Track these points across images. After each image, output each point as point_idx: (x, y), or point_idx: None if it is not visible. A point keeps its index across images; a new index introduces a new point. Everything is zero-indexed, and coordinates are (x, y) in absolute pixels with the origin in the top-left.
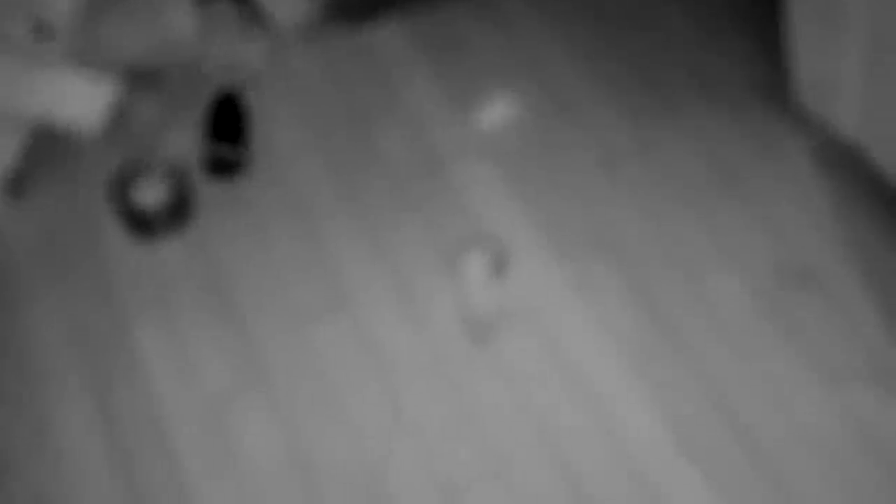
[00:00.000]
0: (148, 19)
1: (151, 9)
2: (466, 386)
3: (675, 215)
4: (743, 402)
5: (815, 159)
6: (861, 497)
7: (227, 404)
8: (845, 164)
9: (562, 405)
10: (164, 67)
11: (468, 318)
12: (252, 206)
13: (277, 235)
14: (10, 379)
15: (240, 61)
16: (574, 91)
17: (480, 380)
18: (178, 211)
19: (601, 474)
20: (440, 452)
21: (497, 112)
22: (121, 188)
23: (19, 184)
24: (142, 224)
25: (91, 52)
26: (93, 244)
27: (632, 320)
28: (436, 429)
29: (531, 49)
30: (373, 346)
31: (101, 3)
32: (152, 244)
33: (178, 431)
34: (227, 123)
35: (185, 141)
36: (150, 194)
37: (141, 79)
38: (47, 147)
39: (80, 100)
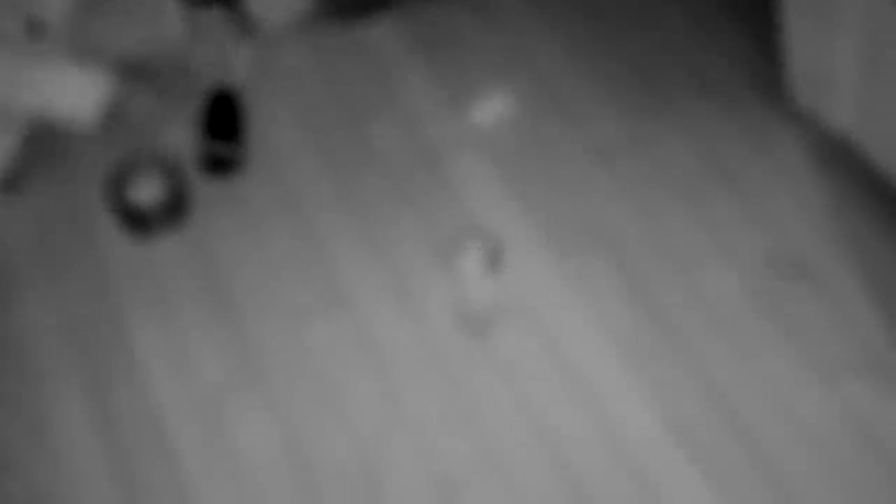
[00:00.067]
0: (139, 17)
1: (143, 7)
2: (464, 382)
3: (671, 210)
4: (742, 401)
5: (810, 154)
6: (861, 495)
7: (224, 402)
8: (840, 159)
9: (559, 401)
10: (157, 62)
11: (465, 314)
12: (248, 204)
13: (274, 232)
14: (7, 378)
15: (228, 68)
16: (569, 87)
17: (478, 376)
18: (175, 208)
19: (595, 464)
20: (438, 449)
21: (493, 109)
22: (117, 186)
23: (15, 181)
24: (138, 222)
25: (84, 47)
26: (89, 242)
27: (628, 316)
28: (433, 425)
29: (527, 45)
30: (370, 342)
31: (94, 0)
32: (149, 242)
33: (176, 429)
34: (223, 121)
35: (180, 134)
36: (146, 192)
37: (134, 72)
38: (43, 144)
39: (75, 93)
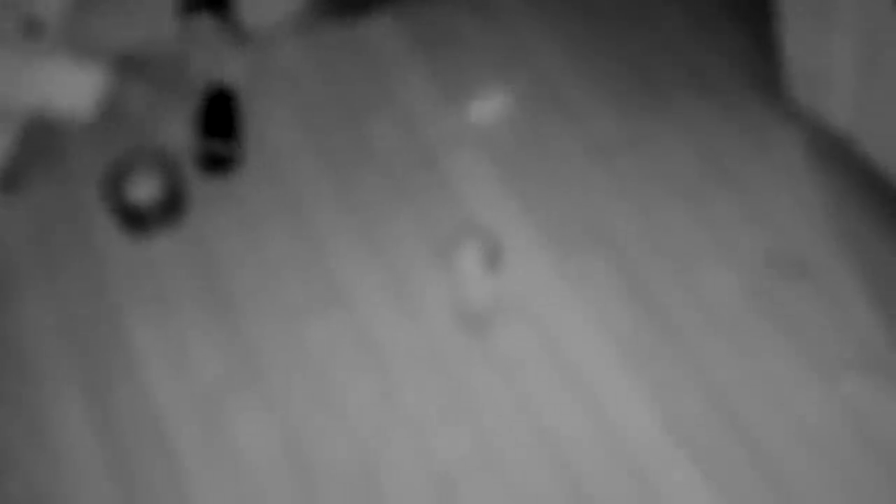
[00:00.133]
0: (136, 17)
1: (140, 7)
2: (463, 381)
3: (671, 209)
4: (742, 401)
5: (807, 152)
6: (861, 495)
7: (224, 401)
8: (838, 156)
9: (558, 400)
10: (153, 58)
11: (463, 311)
12: (246, 202)
13: (272, 231)
14: (6, 378)
15: (222, 73)
16: (568, 86)
17: (477, 375)
18: (172, 207)
19: (595, 463)
20: (437, 447)
21: (492, 107)
22: (114, 184)
23: (12, 180)
24: (136, 220)
25: (81, 46)
26: (87, 241)
27: (628, 314)
28: (433, 424)
29: (526, 44)
30: (368, 340)
31: (91, 1)
32: (147, 240)
33: (174, 428)
34: (220, 119)
35: (178, 130)
36: (144, 190)
37: (131, 68)
38: (40, 143)
39: (73, 90)
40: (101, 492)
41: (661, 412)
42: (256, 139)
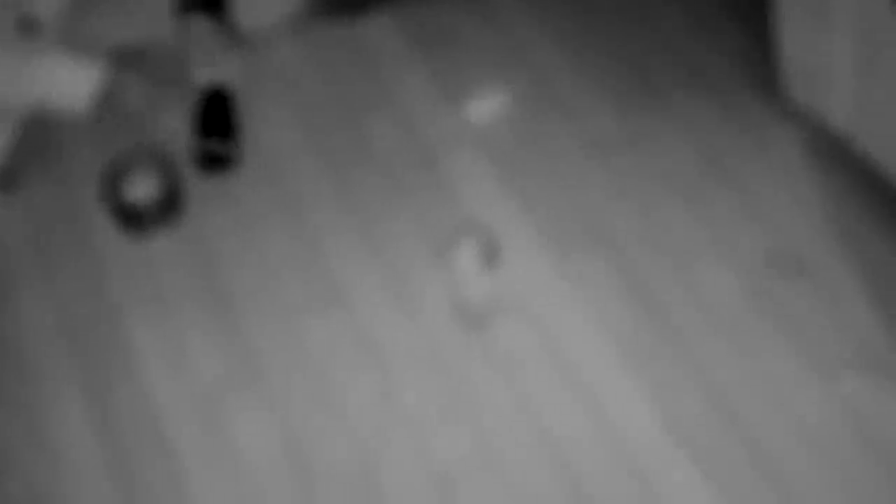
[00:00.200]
0: (133, 17)
1: (137, 7)
2: (462, 379)
3: (670, 207)
4: (742, 401)
5: (805, 150)
6: (861, 495)
7: (223, 400)
8: (836, 154)
9: (557, 398)
10: (150, 51)
11: (461, 309)
12: (244, 201)
13: (270, 230)
14: (5, 378)
15: (216, 75)
16: (564, 83)
17: (476, 373)
18: (170, 206)
19: (595, 463)
20: (436, 446)
21: (490, 106)
22: (112, 184)
23: (10, 179)
24: (133, 219)
25: (76, 43)
26: (85, 240)
27: (627, 313)
28: (432, 423)
29: (522, 42)
30: (367, 338)
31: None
32: (144, 240)
33: (174, 428)
34: (217, 118)
35: (175, 123)
36: (142, 189)
37: (127, 61)
38: (38, 142)
39: (69, 84)
40: (101, 492)
41: (661, 412)
42: (254, 139)
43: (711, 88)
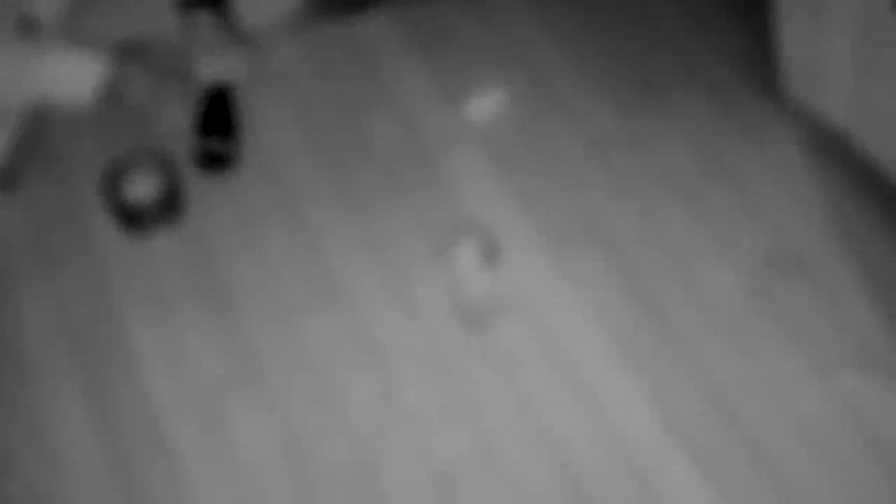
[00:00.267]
0: (134, 15)
1: (137, 6)
2: (462, 378)
3: (669, 206)
4: (742, 400)
5: (805, 149)
6: (861, 494)
7: (222, 400)
8: (835, 153)
9: (557, 398)
10: (152, 45)
11: (462, 308)
12: (244, 200)
13: (270, 229)
14: (5, 378)
15: (220, 72)
16: (563, 82)
17: (476, 372)
18: (170, 205)
19: (595, 463)
20: (436, 445)
21: (489, 105)
22: (112, 183)
23: (10, 179)
24: (134, 219)
25: (77, 41)
26: (85, 239)
27: (626, 313)
28: (432, 422)
29: (520, 41)
30: (368, 339)
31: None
32: (145, 239)
33: (174, 428)
34: (218, 117)
35: (179, 117)
36: (142, 189)
37: (130, 55)
38: (38, 142)
39: (71, 76)
40: (101, 492)
41: (661, 412)
42: (254, 138)
43: (711, 88)
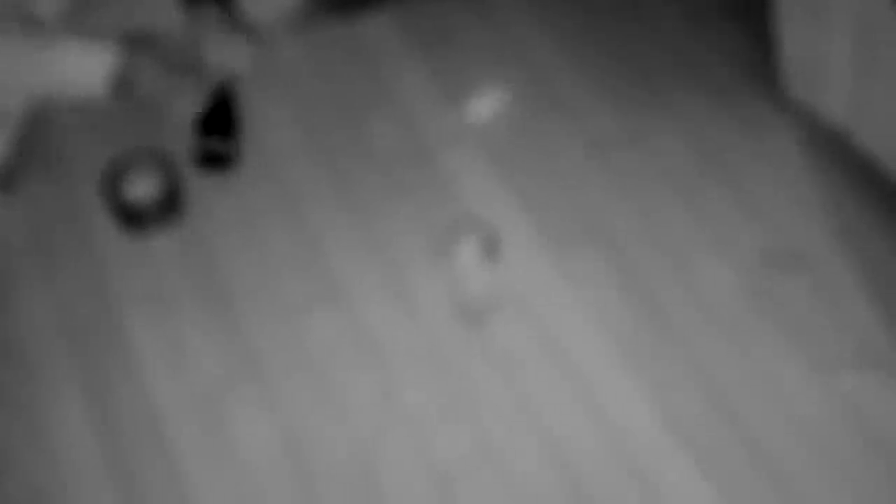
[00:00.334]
0: (137, 11)
1: (140, 3)
2: (462, 378)
3: (669, 205)
4: (742, 400)
5: (804, 148)
6: (862, 494)
7: (222, 400)
8: (835, 152)
9: (557, 398)
10: (160, 36)
11: (462, 304)
12: (244, 200)
13: (269, 228)
14: (4, 377)
15: (226, 64)
16: (563, 81)
17: (476, 372)
18: (170, 205)
19: (596, 462)
20: (435, 444)
21: (488, 104)
22: (112, 183)
23: (10, 179)
24: (134, 218)
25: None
26: (85, 239)
27: (626, 311)
28: (432, 422)
29: (520, 40)
30: (368, 338)
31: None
32: (145, 239)
33: (174, 426)
34: (218, 117)
35: (189, 109)
36: (142, 188)
37: (139, 45)
38: (38, 141)
39: (83, 68)
40: (101, 492)
41: (661, 412)
42: (255, 137)
43: (711, 87)
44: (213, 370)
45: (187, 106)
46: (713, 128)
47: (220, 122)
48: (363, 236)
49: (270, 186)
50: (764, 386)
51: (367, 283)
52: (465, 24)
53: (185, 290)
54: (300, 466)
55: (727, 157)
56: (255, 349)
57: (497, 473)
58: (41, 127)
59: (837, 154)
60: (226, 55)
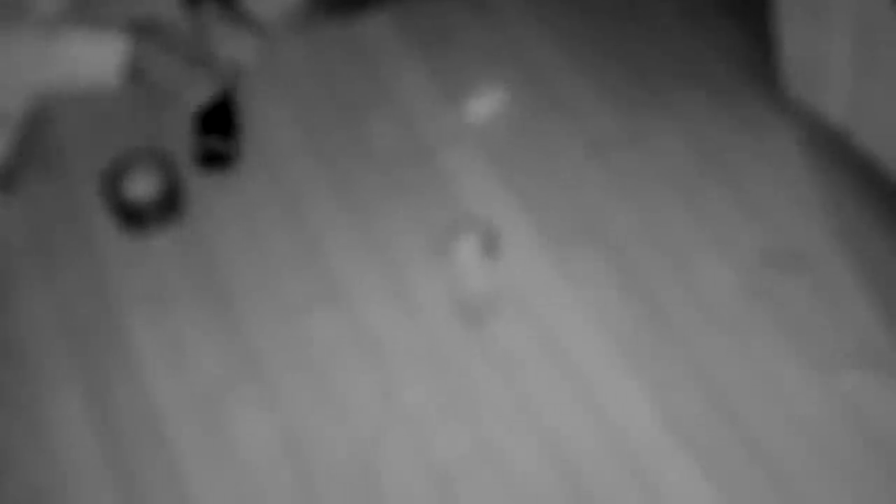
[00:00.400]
0: (139, 9)
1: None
2: (462, 376)
3: (669, 205)
4: (742, 399)
5: (804, 148)
6: (862, 493)
7: (222, 399)
8: (835, 151)
9: (557, 397)
10: (168, 26)
11: (461, 303)
12: (244, 199)
13: (270, 228)
14: (4, 377)
15: (228, 61)
16: (562, 81)
17: (476, 372)
18: (170, 205)
19: (596, 462)
20: (435, 443)
21: (487, 104)
22: (112, 182)
23: (10, 179)
24: (134, 218)
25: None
26: (85, 239)
27: (626, 312)
28: (432, 421)
29: (520, 40)
30: (367, 338)
31: None
32: (145, 238)
33: (174, 426)
34: (218, 116)
35: (199, 100)
36: (142, 188)
37: (148, 35)
38: (38, 141)
39: (96, 57)
40: (101, 492)
41: (661, 412)
42: (254, 136)
43: (711, 87)
44: (213, 370)
45: (199, 96)
46: (713, 128)
47: (220, 122)
48: (363, 236)
49: (270, 186)
50: (764, 386)
51: (366, 283)
52: (464, 24)
53: (185, 290)
54: (300, 466)
55: (727, 157)
56: (255, 349)
57: (497, 473)
58: (41, 127)
59: (837, 154)
60: (231, 48)
